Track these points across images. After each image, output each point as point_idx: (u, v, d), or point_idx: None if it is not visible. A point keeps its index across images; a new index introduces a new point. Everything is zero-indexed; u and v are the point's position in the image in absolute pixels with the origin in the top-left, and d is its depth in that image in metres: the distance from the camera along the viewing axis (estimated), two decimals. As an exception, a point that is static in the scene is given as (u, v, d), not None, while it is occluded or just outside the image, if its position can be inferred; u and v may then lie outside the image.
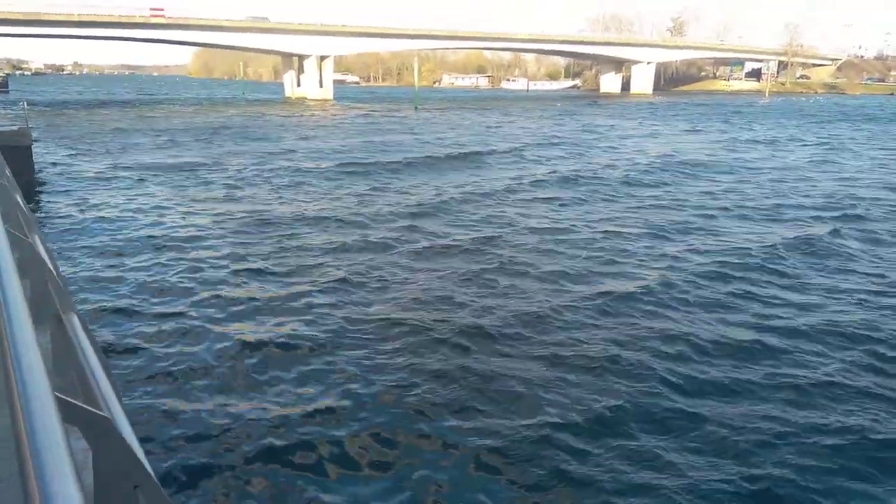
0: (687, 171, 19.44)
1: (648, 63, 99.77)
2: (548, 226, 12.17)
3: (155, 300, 7.86)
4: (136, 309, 7.55)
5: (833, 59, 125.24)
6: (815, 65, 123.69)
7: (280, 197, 14.53)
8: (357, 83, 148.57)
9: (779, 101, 77.40)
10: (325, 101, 68.15)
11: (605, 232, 11.62)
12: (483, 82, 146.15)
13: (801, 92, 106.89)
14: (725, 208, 13.98)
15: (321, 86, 71.89)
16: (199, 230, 11.31)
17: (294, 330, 6.95)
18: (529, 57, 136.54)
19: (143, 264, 9.32)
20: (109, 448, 1.10)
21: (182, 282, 8.54)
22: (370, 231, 11.36)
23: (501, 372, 5.97)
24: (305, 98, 70.28)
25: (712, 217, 13.14)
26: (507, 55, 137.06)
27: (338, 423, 5.13)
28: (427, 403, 5.43)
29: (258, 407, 5.37)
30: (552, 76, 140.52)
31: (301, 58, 70.87)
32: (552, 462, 4.64)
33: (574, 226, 12.15)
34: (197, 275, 8.82)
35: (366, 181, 16.95)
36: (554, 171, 18.79)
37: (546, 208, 13.91)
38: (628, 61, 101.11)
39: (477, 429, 5.05)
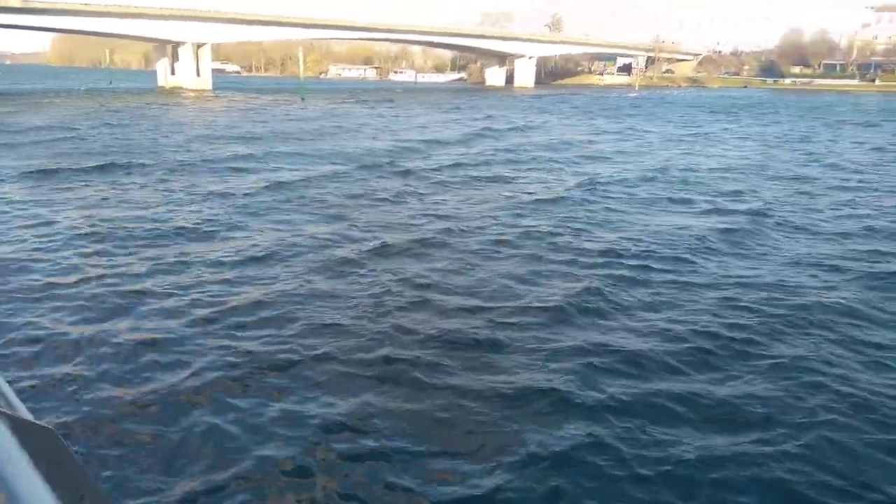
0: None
1: (530, 57, 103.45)
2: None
3: (38, 305, 7.27)
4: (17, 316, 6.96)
5: (694, 55, 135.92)
6: (678, 60, 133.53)
7: (156, 202, 13.48)
8: (238, 73, 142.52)
9: (646, 93, 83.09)
10: (204, 91, 64.87)
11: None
12: (371, 74, 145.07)
13: (667, 85, 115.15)
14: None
15: (198, 75, 68.41)
16: (69, 238, 10.41)
17: (171, 328, 6.71)
18: (417, 49, 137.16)
19: (20, 268, 8.56)
20: (54, 459, 0.98)
21: (59, 287, 7.95)
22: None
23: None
24: (181, 88, 66.48)
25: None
26: (395, 47, 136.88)
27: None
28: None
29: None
30: (439, 69, 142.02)
31: (175, 45, 66.90)
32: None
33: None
34: (76, 277, 8.24)
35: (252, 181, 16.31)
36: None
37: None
38: (511, 55, 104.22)
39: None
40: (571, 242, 10.45)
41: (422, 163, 19.09)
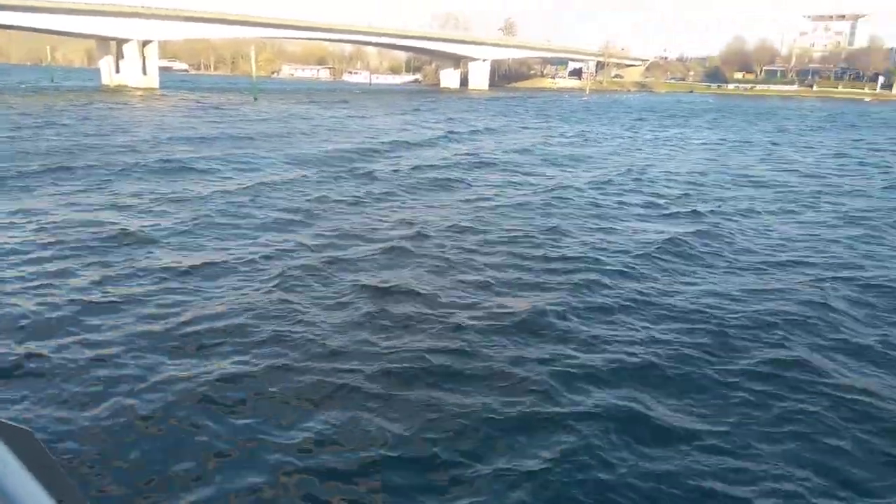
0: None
1: (484, 60, 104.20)
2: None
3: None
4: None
5: (642, 60, 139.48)
6: (627, 65, 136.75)
7: (105, 207, 12.79)
8: (186, 71, 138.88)
9: (598, 97, 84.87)
10: (151, 89, 63.00)
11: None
12: (324, 74, 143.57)
13: (616, 90, 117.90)
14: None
15: (145, 73, 66.35)
16: (13, 245, 9.89)
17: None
18: (371, 50, 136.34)
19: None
20: (35, 460, 1.04)
21: (2, 297, 7.54)
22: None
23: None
24: (126, 86, 64.33)
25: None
26: (349, 47, 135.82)
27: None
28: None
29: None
30: (394, 70, 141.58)
31: (120, 42, 64.64)
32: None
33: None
34: (20, 286, 7.83)
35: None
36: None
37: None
38: (466, 58, 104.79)
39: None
40: (541, 249, 10.47)
41: (384, 167, 18.84)
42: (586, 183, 17.14)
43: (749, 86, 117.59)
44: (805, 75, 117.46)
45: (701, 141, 31.39)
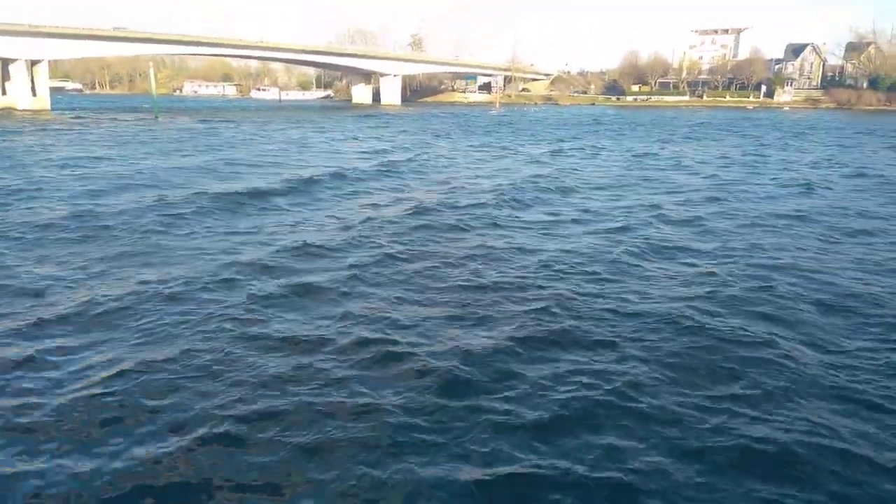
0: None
1: (395, 75, 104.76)
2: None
3: None
4: None
5: (546, 75, 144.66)
6: (532, 79, 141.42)
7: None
8: (80, 91, 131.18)
9: (508, 111, 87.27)
10: (41, 111, 59.37)
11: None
12: (231, 91, 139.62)
13: (525, 103, 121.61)
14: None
15: (34, 94, 62.41)
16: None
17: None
18: (279, 66, 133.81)
19: None
20: None
21: None
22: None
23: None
24: (14, 108, 60.09)
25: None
26: (255, 63, 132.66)
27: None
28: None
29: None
30: (303, 86, 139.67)
31: (6, 62, 60.35)
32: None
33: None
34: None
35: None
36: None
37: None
38: (377, 73, 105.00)
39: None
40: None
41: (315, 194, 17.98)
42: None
43: (646, 97, 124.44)
44: (695, 86, 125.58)
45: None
